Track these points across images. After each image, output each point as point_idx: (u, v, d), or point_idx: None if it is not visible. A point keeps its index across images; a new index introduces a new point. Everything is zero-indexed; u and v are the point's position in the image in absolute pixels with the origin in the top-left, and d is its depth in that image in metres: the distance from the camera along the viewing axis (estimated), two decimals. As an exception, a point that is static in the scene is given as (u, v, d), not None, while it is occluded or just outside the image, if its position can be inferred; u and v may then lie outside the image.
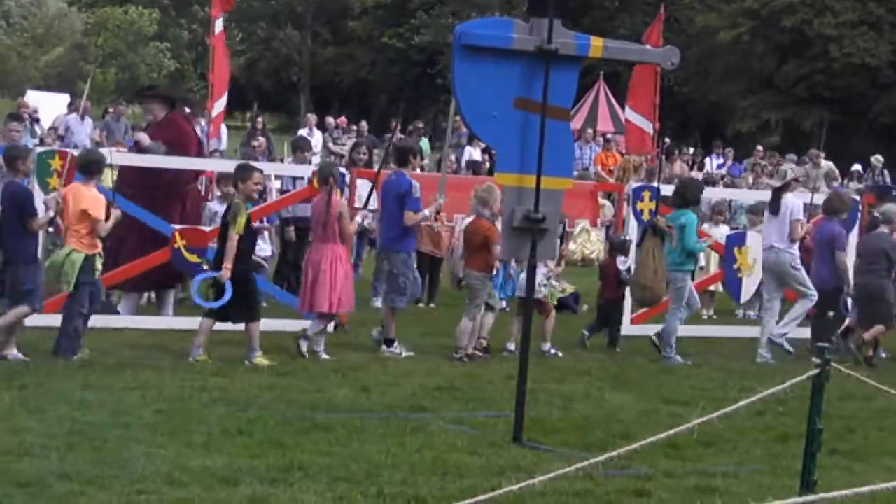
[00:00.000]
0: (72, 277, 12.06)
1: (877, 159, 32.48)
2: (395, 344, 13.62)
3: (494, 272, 13.96)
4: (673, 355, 14.33)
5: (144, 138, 15.34)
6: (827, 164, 29.21)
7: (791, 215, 14.77)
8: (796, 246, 14.90)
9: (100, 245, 12.30)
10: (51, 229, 13.11)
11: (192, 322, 13.61)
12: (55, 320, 13.00)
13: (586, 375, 12.97)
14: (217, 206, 16.19)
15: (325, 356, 13.01)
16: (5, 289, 12.09)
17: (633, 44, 11.53)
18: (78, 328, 12.18)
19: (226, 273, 12.39)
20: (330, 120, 35.03)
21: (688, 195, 14.78)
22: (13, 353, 11.89)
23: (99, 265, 12.37)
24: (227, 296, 12.39)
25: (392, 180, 14.00)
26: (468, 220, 14.14)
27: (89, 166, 12.43)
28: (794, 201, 15.00)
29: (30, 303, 12.01)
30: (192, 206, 15.27)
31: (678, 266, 14.42)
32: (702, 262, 18.96)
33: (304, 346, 13.04)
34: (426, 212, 14.12)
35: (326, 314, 13.25)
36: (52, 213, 12.19)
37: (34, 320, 12.41)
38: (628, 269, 15.12)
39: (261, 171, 13.23)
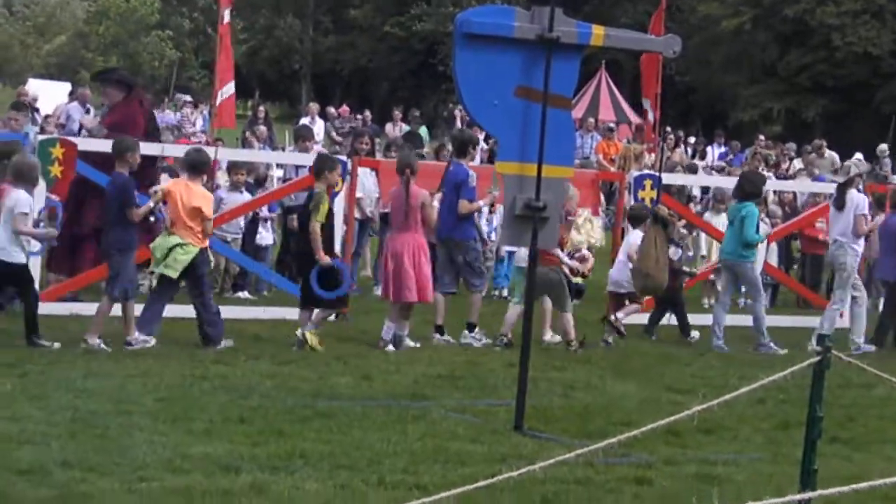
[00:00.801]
0: (180, 266, 12.38)
1: (881, 150, 32.46)
2: (476, 330, 13.91)
3: (498, 260, 14.09)
4: (767, 342, 14.50)
5: (87, 121, 15.29)
6: (831, 155, 29.21)
7: (856, 210, 14.98)
8: (861, 241, 15.16)
9: (207, 240, 12.74)
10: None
11: (192, 311, 13.62)
12: (54, 308, 13.08)
13: (587, 363, 12.99)
14: (223, 194, 16.21)
15: (410, 342, 13.30)
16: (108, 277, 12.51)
17: (635, 32, 11.52)
18: (218, 312, 12.70)
19: (324, 259, 12.75)
20: (331, 110, 35.06)
21: (746, 188, 14.94)
22: (95, 340, 12.07)
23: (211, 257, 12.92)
24: (346, 285, 12.99)
25: (451, 170, 14.21)
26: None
27: (196, 165, 12.73)
28: (859, 197, 15.20)
29: (110, 291, 12.33)
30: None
31: (739, 256, 14.68)
32: (703, 251, 19.01)
33: (389, 334, 13.18)
34: (481, 202, 14.29)
35: (410, 304, 13.36)
36: (151, 205, 12.62)
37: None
38: (680, 259, 15.31)
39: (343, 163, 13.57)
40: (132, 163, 12.56)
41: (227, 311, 13.65)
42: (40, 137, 14.41)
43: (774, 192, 20.34)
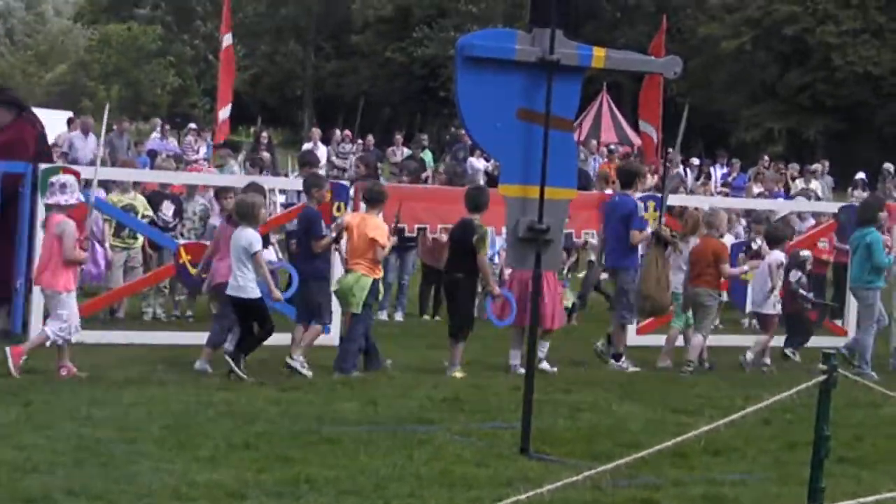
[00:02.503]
0: (360, 300, 12.89)
1: (887, 170, 32.48)
2: (623, 359, 14.17)
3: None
4: (868, 370, 14.50)
5: None
6: (827, 179, 29.45)
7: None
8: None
9: (381, 270, 13.23)
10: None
11: (197, 338, 13.63)
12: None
13: (593, 386, 12.95)
14: (216, 221, 16.21)
15: (546, 366, 13.60)
16: (299, 307, 13.19)
17: (636, 54, 11.53)
18: (360, 347, 13.07)
19: (495, 289, 13.49)
20: (337, 133, 35.10)
21: (865, 215, 15.15)
22: (298, 361, 12.70)
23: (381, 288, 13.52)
24: (513, 313, 13.38)
25: (617, 201, 14.58)
26: (695, 240, 14.85)
27: (374, 196, 13.20)
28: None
29: (319, 320, 12.98)
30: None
31: (866, 283, 14.83)
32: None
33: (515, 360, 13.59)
34: (649, 230, 14.56)
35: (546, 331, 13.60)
36: (333, 235, 13.19)
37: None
38: (798, 280, 15.35)
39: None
40: (318, 198, 13.27)
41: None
42: (42, 166, 14.41)
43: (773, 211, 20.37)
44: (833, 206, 18.70)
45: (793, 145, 55.45)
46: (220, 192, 16.63)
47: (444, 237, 14.70)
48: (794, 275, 15.32)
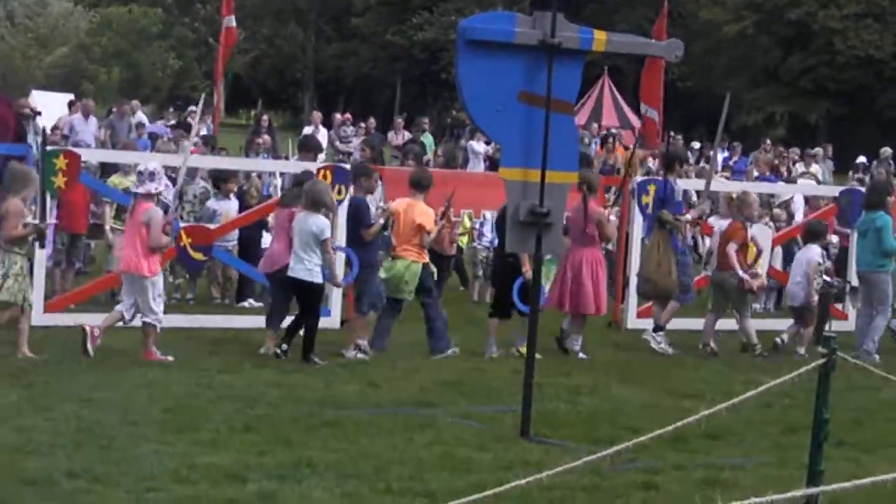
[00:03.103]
0: (412, 287, 13.24)
1: (883, 153, 32.48)
2: (662, 335, 14.39)
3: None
4: (872, 352, 14.53)
5: None
6: (827, 164, 29.45)
7: None
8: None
9: (426, 254, 13.47)
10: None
11: (197, 321, 13.67)
12: (59, 319, 13.10)
13: (593, 369, 12.97)
14: (215, 204, 16.21)
15: (582, 355, 13.74)
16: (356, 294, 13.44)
17: (637, 37, 11.51)
18: (445, 321, 13.51)
19: (528, 273, 13.05)
20: (337, 116, 35.01)
21: (873, 199, 15.11)
22: (356, 349, 13.04)
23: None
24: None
25: (658, 186, 14.76)
26: (724, 223, 15.08)
27: (420, 183, 13.41)
28: None
29: (358, 307, 13.26)
30: None
31: (877, 267, 14.77)
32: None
33: (574, 345, 13.85)
34: (689, 215, 14.69)
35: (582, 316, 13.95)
36: (381, 222, 13.43)
37: (42, 319, 12.44)
38: (824, 267, 15.35)
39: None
40: (367, 187, 13.55)
41: (231, 320, 13.66)
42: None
43: (773, 196, 20.36)
44: (833, 190, 18.68)
45: (794, 129, 55.43)
46: (219, 175, 16.66)
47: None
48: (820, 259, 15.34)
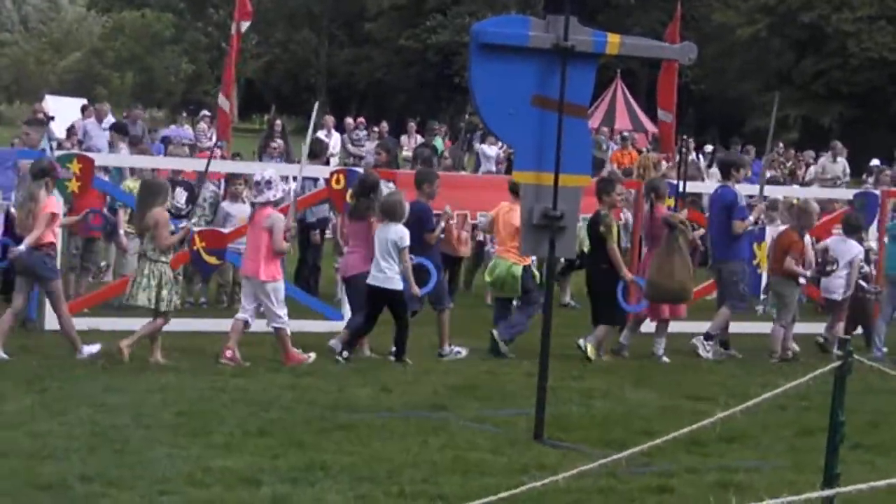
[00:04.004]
0: (517, 286, 13.62)
1: None
2: (713, 343, 14.36)
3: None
4: (880, 352, 14.71)
5: None
6: (842, 162, 29.27)
7: None
8: None
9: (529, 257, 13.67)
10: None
11: (211, 324, 13.67)
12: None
13: (607, 372, 12.95)
14: (228, 207, 16.21)
15: (665, 360, 13.99)
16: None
17: (651, 40, 11.49)
18: (525, 328, 13.71)
19: (628, 276, 13.85)
20: (349, 120, 35.03)
21: None
22: (452, 348, 13.44)
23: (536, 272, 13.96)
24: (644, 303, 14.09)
25: (718, 193, 14.79)
26: (780, 229, 15.31)
27: (516, 188, 13.38)
28: None
29: (440, 305, 13.51)
30: None
31: None
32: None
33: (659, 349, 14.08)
34: (751, 218, 14.68)
35: (665, 320, 14.23)
36: (442, 225, 13.81)
37: (57, 324, 12.46)
38: (863, 273, 15.50)
39: (622, 182, 14.60)
40: (430, 193, 13.58)
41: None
42: (57, 153, 14.45)
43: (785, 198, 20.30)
44: (848, 193, 18.62)
45: (808, 132, 55.28)
46: (230, 178, 16.66)
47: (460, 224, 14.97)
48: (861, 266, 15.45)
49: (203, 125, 32.02)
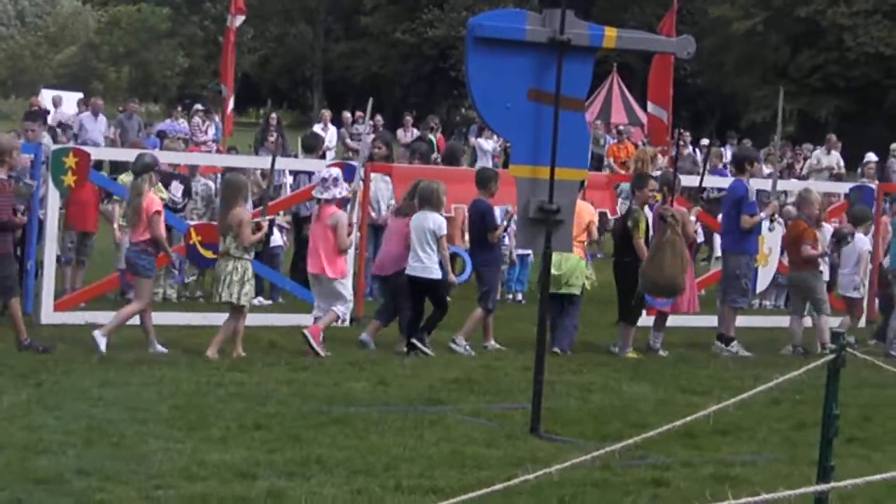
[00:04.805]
0: (580, 281, 13.72)
1: (893, 152, 32.33)
2: (734, 343, 14.35)
3: (511, 265, 14.42)
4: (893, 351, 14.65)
5: None
6: (835, 155, 29.34)
7: None
8: None
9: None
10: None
11: (206, 318, 13.67)
12: (69, 318, 13.12)
13: (603, 366, 12.97)
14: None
15: (662, 353, 14.04)
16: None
17: (648, 33, 11.50)
18: (576, 326, 13.92)
19: None
20: (347, 115, 35.03)
21: None
22: (466, 344, 13.38)
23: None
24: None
25: (731, 186, 14.84)
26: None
27: (581, 184, 13.63)
28: None
29: (485, 304, 13.48)
30: None
31: None
32: (717, 253, 18.92)
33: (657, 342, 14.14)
34: (762, 214, 14.71)
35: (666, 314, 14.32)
36: (505, 223, 13.77)
37: (52, 318, 12.46)
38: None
39: (655, 179, 14.56)
40: (494, 191, 13.56)
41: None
42: (53, 147, 14.44)
43: (786, 192, 20.30)
44: (844, 187, 18.64)
45: (804, 126, 55.29)
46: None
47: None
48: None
49: (197, 119, 32.00)
